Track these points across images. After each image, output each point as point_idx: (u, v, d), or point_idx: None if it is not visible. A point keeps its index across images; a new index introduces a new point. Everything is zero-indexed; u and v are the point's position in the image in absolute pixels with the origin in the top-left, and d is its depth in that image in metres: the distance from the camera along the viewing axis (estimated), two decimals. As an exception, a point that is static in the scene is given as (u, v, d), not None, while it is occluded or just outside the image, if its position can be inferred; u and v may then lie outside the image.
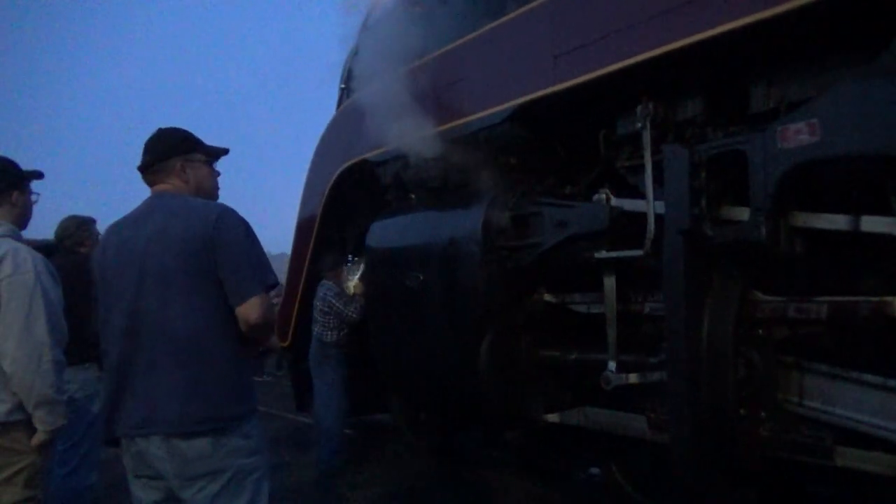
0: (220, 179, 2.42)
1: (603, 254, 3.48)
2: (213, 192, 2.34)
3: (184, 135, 2.29)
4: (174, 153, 2.23)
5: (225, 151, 2.40)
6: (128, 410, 2.01)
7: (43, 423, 2.39)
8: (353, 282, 5.63)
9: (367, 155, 5.11)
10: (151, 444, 1.97)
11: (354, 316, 5.35)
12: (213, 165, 2.37)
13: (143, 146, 2.26)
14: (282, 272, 7.73)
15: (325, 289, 5.47)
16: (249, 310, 2.01)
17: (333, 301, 5.35)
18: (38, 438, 2.41)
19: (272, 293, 2.35)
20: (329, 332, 5.39)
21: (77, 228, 4.04)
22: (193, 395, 1.97)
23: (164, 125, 2.41)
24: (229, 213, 2.11)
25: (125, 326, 2.04)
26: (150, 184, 2.25)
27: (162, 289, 2.00)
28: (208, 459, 1.96)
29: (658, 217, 3.13)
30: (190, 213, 2.08)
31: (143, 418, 1.98)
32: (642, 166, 3.21)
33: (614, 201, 3.49)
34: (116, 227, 2.20)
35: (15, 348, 2.32)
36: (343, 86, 5.86)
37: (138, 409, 1.99)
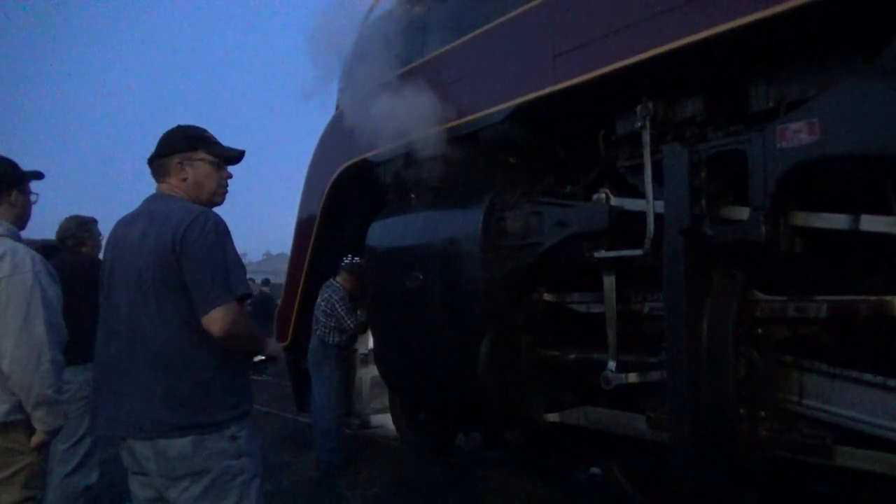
0: (230, 182, 2.34)
1: (603, 253, 3.48)
2: (215, 194, 2.28)
3: (192, 132, 2.25)
4: (175, 150, 2.21)
5: (237, 154, 2.32)
6: (108, 410, 2.03)
7: (42, 423, 2.38)
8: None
9: (367, 155, 5.10)
10: (137, 443, 1.98)
11: (352, 327, 5.36)
12: (225, 167, 2.31)
13: (158, 140, 2.26)
14: (282, 272, 7.73)
15: (330, 290, 5.46)
16: (211, 322, 1.95)
17: (336, 305, 5.35)
18: (37, 438, 2.41)
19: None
20: (332, 334, 5.39)
21: (78, 228, 4.03)
22: (167, 402, 1.95)
23: (165, 124, 2.41)
24: (201, 220, 2.04)
25: (112, 328, 2.06)
26: (155, 180, 2.25)
27: (139, 294, 2.00)
28: (189, 460, 1.96)
29: (658, 217, 3.13)
30: (167, 218, 2.04)
31: (121, 421, 1.99)
32: (642, 166, 3.21)
33: (614, 201, 3.49)
34: (117, 226, 2.21)
35: (13, 348, 2.31)
36: (343, 85, 5.85)
37: (117, 411, 2.00)
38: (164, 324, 1.98)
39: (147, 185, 2.32)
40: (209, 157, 2.24)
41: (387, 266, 4.80)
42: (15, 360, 2.31)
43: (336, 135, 5.75)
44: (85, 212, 4.26)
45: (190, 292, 1.98)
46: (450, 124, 4.27)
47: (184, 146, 2.21)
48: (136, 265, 2.02)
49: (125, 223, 2.17)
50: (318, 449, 5.36)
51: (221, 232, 2.06)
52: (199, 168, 2.22)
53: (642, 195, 3.26)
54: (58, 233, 4.07)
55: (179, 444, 1.94)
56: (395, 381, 5.24)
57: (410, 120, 4.34)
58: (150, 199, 2.21)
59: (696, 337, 2.99)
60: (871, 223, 2.57)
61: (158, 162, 2.22)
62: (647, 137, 3.17)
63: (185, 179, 2.20)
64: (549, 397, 4.12)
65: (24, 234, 2.70)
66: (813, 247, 2.84)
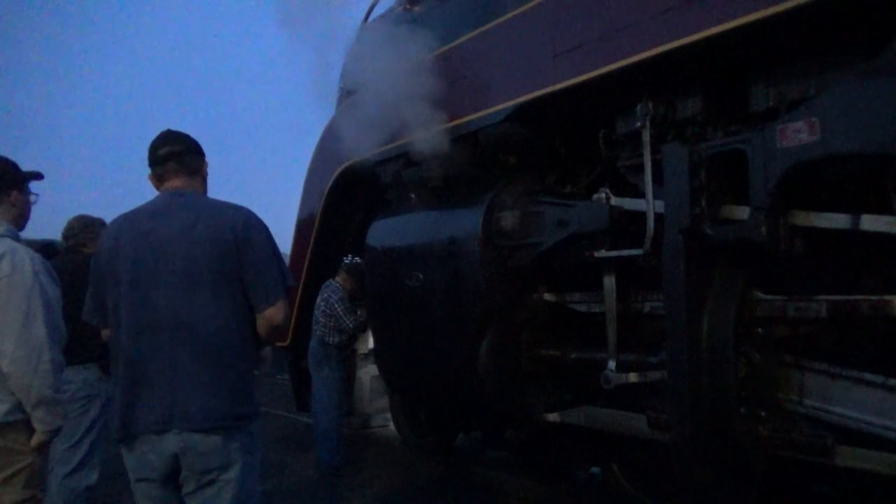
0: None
1: (603, 253, 3.48)
2: None
3: None
4: (202, 154, 2.31)
5: None
6: (147, 407, 2.00)
7: (42, 423, 2.38)
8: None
9: (367, 154, 5.10)
10: (165, 439, 1.98)
11: (351, 327, 5.36)
12: None
13: (163, 137, 2.25)
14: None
15: (330, 290, 5.45)
16: (276, 312, 2.09)
17: (336, 306, 5.35)
18: (37, 439, 2.40)
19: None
20: (332, 334, 5.39)
21: (83, 229, 4.02)
22: (216, 391, 2.00)
23: (166, 124, 2.43)
24: (254, 217, 2.16)
25: (140, 322, 2.03)
26: (166, 175, 2.22)
27: (187, 285, 2.01)
28: (219, 454, 2.00)
29: (658, 216, 3.13)
30: (217, 213, 2.11)
31: (164, 414, 1.98)
32: (642, 166, 3.20)
33: (614, 200, 3.49)
34: (129, 220, 2.17)
35: (13, 348, 2.31)
36: (342, 85, 5.85)
37: (159, 405, 1.99)
38: (218, 313, 2.02)
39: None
40: None
41: (387, 266, 4.79)
42: (15, 360, 2.31)
43: (336, 135, 5.75)
44: (92, 212, 4.24)
45: (249, 285, 2.06)
46: (450, 124, 4.26)
47: (203, 152, 2.32)
48: (182, 256, 2.02)
49: (148, 216, 2.13)
50: (318, 449, 5.36)
51: (269, 229, 2.19)
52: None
53: (642, 195, 3.25)
54: (63, 231, 4.07)
55: (213, 439, 1.98)
56: (395, 381, 5.24)
57: (410, 119, 4.34)
58: (175, 194, 2.19)
59: (696, 337, 2.98)
60: (872, 223, 2.57)
61: (190, 157, 2.25)
62: (647, 137, 3.17)
63: (204, 178, 2.32)
64: (549, 397, 4.11)
65: (25, 234, 2.70)
66: (813, 246, 2.84)
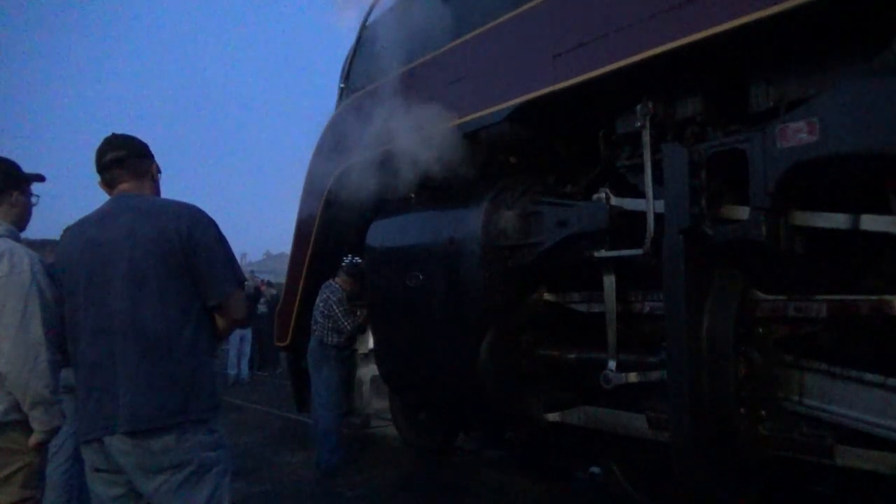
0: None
1: (603, 253, 3.48)
2: None
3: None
4: (151, 156, 2.32)
5: None
6: (102, 410, 2.02)
7: (39, 423, 2.38)
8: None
9: (368, 154, 5.09)
10: (115, 438, 1.98)
11: (348, 328, 5.36)
12: None
13: (107, 143, 2.25)
14: (282, 272, 7.73)
15: (329, 291, 5.45)
16: (235, 306, 2.14)
17: (334, 307, 5.35)
18: (35, 438, 2.40)
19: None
20: (330, 334, 5.38)
21: None
22: (167, 391, 2.00)
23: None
24: (202, 214, 2.15)
25: (96, 326, 2.05)
26: (115, 181, 2.24)
27: (134, 288, 2.02)
28: (172, 453, 1.99)
29: (658, 216, 3.13)
30: (160, 212, 2.10)
31: (118, 415, 1.98)
32: (642, 165, 3.21)
33: (614, 200, 3.49)
34: (79, 228, 2.19)
35: (11, 348, 2.31)
36: (342, 85, 5.85)
37: (112, 407, 2.00)
38: (166, 310, 2.02)
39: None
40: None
41: (387, 266, 4.79)
42: (11, 360, 2.31)
43: (336, 134, 5.75)
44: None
45: (203, 282, 2.07)
46: (450, 124, 4.26)
47: (150, 153, 2.33)
48: (127, 258, 2.03)
49: (96, 222, 2.15)
50: (318, 449, 5.36)
51: (217, 224, 2.18)
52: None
53: (642, 195, 3.26)
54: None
55: (164, 439, 1.98)
56: (395, 381, 5.24)
57: (410, 120, 4.34)
58: (121, 198, 2.20)
59: (696, 337, 2.98)
60: (871, 222, 2.57)
61: (137, 161, 2.26)
62: (647, 137, 3.17)
63: (154, 181, 2.33)
64: (549, 397, 4.11)
65: (25, 234, 2.70)
66: (813, 246, 2.83)
